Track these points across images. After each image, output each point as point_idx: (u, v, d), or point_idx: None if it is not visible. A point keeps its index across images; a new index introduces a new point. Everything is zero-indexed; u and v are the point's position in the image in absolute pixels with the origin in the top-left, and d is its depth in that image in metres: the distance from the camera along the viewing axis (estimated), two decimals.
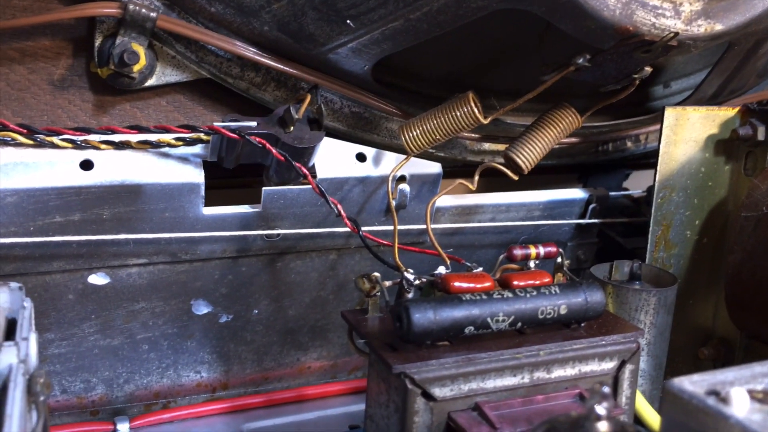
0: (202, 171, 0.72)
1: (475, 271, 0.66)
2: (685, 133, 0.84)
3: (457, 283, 0.62)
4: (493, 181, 0.89)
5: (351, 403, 0.84)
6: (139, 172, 0.70)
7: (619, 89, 0.78)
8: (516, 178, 0.78)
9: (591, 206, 0.93)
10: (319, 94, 0.76)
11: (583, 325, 0.64)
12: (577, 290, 0.62)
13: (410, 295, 0.64)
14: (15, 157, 0.67)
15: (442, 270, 0.64)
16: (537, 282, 0.64)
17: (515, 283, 0.64)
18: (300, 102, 0.72)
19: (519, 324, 0.60)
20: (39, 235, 0.69)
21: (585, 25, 0.69)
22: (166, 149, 0.71)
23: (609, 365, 0.63)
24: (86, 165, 0.69)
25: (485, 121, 0.74)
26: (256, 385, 0.85)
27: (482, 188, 0.83)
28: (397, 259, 0.68)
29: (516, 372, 0.59)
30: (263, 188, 0.75)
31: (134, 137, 0.70)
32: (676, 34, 0.70)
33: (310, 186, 0.72)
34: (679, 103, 0.92)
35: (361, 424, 0.76)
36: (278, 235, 0.78)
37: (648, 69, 0.75)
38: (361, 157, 0.79)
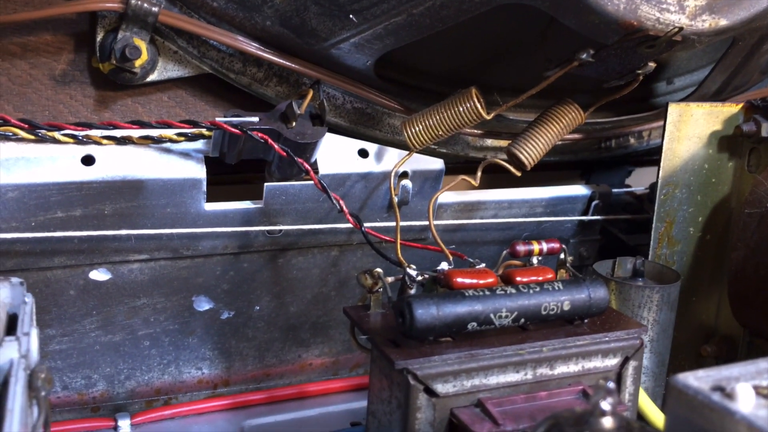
0: (204, 166, 0.72)
1: (477, 267, 0.66)
2: (689, 129, 0.83)
3: (459, 279, 0.62)
4: (495, 178, 0.89)
5: (352, 400, 0.84)
6: (141, 168, 0.70)
7: (622, 85, 0.78)
8: (519, 174, 0.78)
9: (594, 203, 0.93)
10: (321, 89, 0.75)
11: (586, 321, 0.63)
12: (581, 286, 0.62)
13: (413, 291, 0.64)
14: (16, 152, 0.67)
15: (444, 266, 0.64)
16: (540, 278, 0.64)
17: (518, 279, 0.64)
18: (302, 97, 0.72)
19: (522, 320, 0.60)
20: (40, 230, 0.68)
21: (589, 20, 0.69)
22: (168, 144, 0.71)
23: (612, 362, 0.62)
24: (88, 160, 0.69)
25: (488, 117, 0.74)
26: (257, 381, 0.85)
27: (485, 184, 0.83)
28: (400, 255, 0.68)
29: (519, 368, 0.59)
30: (265, 184, 0.75)
31: (136, 132, 0.70)
32: (681, 29, 0.70)
33: (312, 182, 0.72)
34: (683, 100, 0.92)
35: (362, 420, 0.76)
36: (280, 231, 0.78)
37: (652, 64, 0.75)
38: (363, 153, 0.79)
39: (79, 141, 0.68)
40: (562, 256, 0.68)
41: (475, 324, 0.58)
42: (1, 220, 0.67)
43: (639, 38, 0.70)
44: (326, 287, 0.84)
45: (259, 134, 0.69)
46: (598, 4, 0.67)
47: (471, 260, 0.67)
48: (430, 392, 0.56)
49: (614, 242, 0.96)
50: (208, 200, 0.74)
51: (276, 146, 0.69)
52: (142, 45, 0.72)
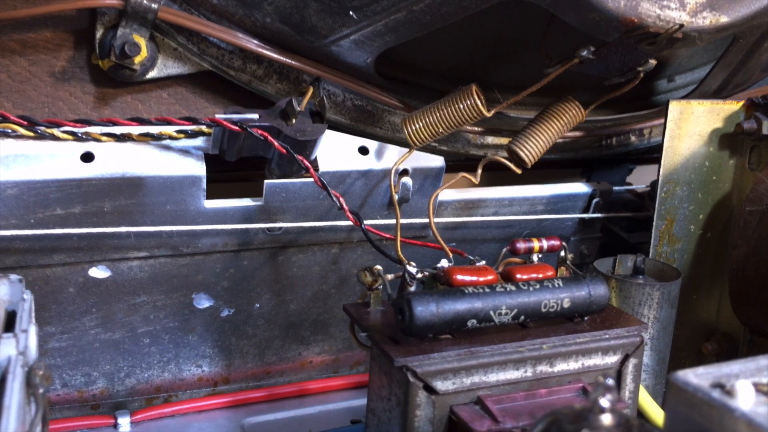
0: (204, 164, 0.72)
1: (478, 264, 0.66)
2: (690, 127, 0.83)
3: (459, 276, 0.62)
4: (496, 175, 0.88)
5: (353, 398, 0.84)
6: (141, 165, 0.70)
7: (623, 82, 0.78)
8: (519, 171, 0.78)
9: (594, 201, 0.93)
10: (321, 86, 0.75)
11: (586, 318, 0.63)
12: (581, 284, 0.62)
13: (412, 289, 0.64)
14: (16, 149, 0.67)
15: (444, 263, 0.64)
16: (540, 275, 0.64)
17: (518, 276, 0.64)
18: (302, 95, 0.72)
19: (522, 317, 0.60)
20: (39, 227, 0.68)
21: (589, 17, 0.68)
22: (168, 142, 0.71)
23: (612, 359, 0.62)
24: (87, 157, 0.69)
25: (488, 114, 0.74)
26: (257, 379, 0.85)
27: (485, 182, 0.83)
28: (400, 253, 0.68)
29: (519, 366, 0.59)
30: (265, 181, 0.75)
31: (135, 129, 0.70)
32: (681, 25, 0.69)
33: (312, 179, 0.72)
34: (684, 97, 0.91)
35: (362, 418, 0.76)
36: (280, 228, 0.78)
37: (652, 62, 0.74)
38: (363, 151, 0.79)
39: (78, 138, 0.68)
40: (562, 253, 0.68)
41: (474, 321, 0.58)
42: (1, 217, 0.67)
43: (640, 35, 0.70)
44: (326, 285, 0.84)
45: (259, 131, 0.68)
46: (599, 1, 0.67)
47: (471, 258, 0.67)
48: (430, 389, 0.56)
49: (615, 240, 0.96)
50: (208, 197, 0.74)
51: (276, 143, 0.69)
52: (142, 42, 0.72)
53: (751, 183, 0.81)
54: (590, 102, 0.80)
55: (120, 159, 0.69)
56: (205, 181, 0.72)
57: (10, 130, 0.66)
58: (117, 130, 0.69)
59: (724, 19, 0.72)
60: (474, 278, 0.62)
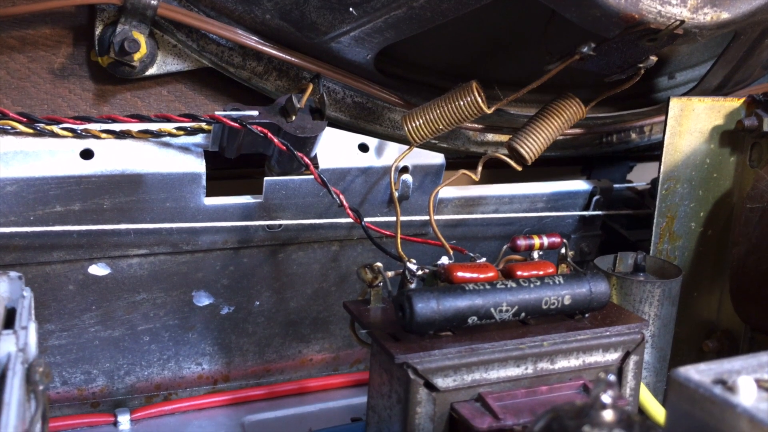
0: (204, 161, 0.72)
1: (478, 261, 0.66)
2: (690, 123, 0.83)
3: (460, 273, 0.62)
4: (496, 173, 0.88)
5: (353, 396, 0.84)
6: (140, 162, 0.70)
7: (624, 79, 0.78)
8: (520, 168, 0.78)
9: (595, 198, 0.92)
10: (321, 83, 0.75)
11: (587, 315, 0.63)
12: (582, 281, 0.62)
13: (413, 286, 0.64)
14: (15, 146, 0.66)
15: (445, 260, 0.64)
16: (541, 272, 0.64)
17: (519, 273, 0.63)
18: (302, 91, 0.72)
19: (523, 314, 0.60)
20: (39, 224, 0.68)
21: (590, 13, 0.68)
22: (167, 139, 0.71)
23: (613, 356, 0.62)
24: (86, 154, 0.68)
25: (488, 111, 0.74)
26: (257, 377, 0.85)
27: (485, 179, 0.83)
28: (400, 250, 0.67)
29: (519, 362, 0.59)
30: (265, 178, 0.75)
31: (135, 126, 0.69)
32: (682, 22, 0.69)
33: (312, 176, 0.71)
34: (684, 94, 0.91)
35: (363, 416, 0.76)
36: (280, 225, 0.78)
37: (653, 58, 0.74)
38: (363, 148, 0.78)
39: (77, 135, 0.68)
40: (563, 250, 0.68)
41: (475, 318, 0.58)
42: (0, 214, 0.67)
43: (640, 32, 0.69)
44: (326, 282, 0.83)
45: (259, 128, 0.68)
46: None
47: (472, 255, 0.67)
48: (431, 387, 0.56)
49: (615, 238, 0.96)
50: (208, 195, 0.73)
51: (276, 140, 0.69)
52: (141, 38, 0.72)
53: (751, 180, 0.81)
54: (591, 99, 0.80)
55: (119, 156, 0.69)
56: (204, 178, 0.72)
57: (9, 127, 0.66)
58: (116, 127, 0.69)
59: (725, 16, 0.72)
60: (474, 275, 0.62)
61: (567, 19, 0.71)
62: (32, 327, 0.51)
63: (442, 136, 0.88)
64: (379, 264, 0.63)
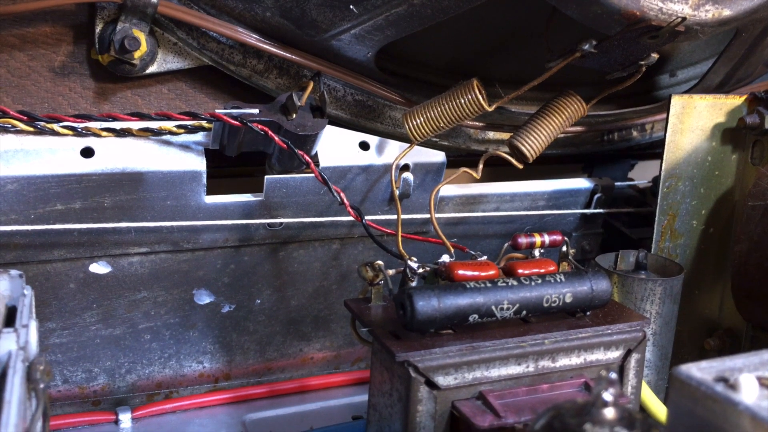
0: (204, 159, 0.72)
1: (479, 259, 0.65)
2: (692, 121, 0.83)
3: (461, 271, 0.61)
4: (497, 171, 0.88)
5: (354, 394, 0.84)
6: (141, 160, 0.70)
7: (625, 76, 0.78)
8: (521, 166, 0.78)
9: (596, 196, 0.92)
10: (321, 81, 0.75)
11: (588, 313, 0.63)
12: (583, 279, 0.61)
13: (414, 284, 0.63)
14: (15, 144, 0.66)
15: (446, 258, 0.64)
16: (542, 270, 0.64)
17: (520, 271, 0.63)
18: (302, 89, 0.72)
19: (524, 312, 0.60)
20: (40, 223, 0.68)
21: (591, 11, 0.68)
22: (168, 137, 0.70)
23: (614, 354, 0.62)
24: (87, 152, 0.68)
25: (489, 109, 0.74)
26: (258, 375, 0.85)
27: (486, 177, 0.82)
28: (401, 248, 0.67)
29: (521, 361, 0.59)
30: (265, 177, 0.74)
31: (135, 124, 0.69)
32: (684, 19, 0.69)
33: (312, 174, 0.71)
34: (686, 92, 0.91)
35: (364, 414, 0.76)
36: (281, 224, 0.77)
37: (655, 55, 0.74)
38: (364, 146, 0.78)
39: (78, 133, 0.68)
40: (564, 248, 0.68)
41: (476, 316, 0.58)
42: (1, 213, 0.67)
43: (642, 29, 0.69)
44: (327, 280, 0.83)
45: (259, 126, 0.68)
46: None
47: (473, 253, 0.67)
48: (432, 385, 0.56)
49: (617, 236, 0.96)
50: (209, 193, 0.73)
51: (276, 138, 0.69)
52: (142, 36, 0.72)
53: (753, 178, 0.80)
54: (592, 97, 0.80)
55: (120, 154, 0.69)
56: (205, 176, 0.72)
57: (9, 126, 0.66)
58: (117, 125, 0.69)
59: (726, 13, 0.72)
60: (475, 273, 0.62)
61: (568, 16, 0.70)
62: (33, 325, 0.51)
63: (443, 134, 0.88)
64: (380, 262, 0.63)
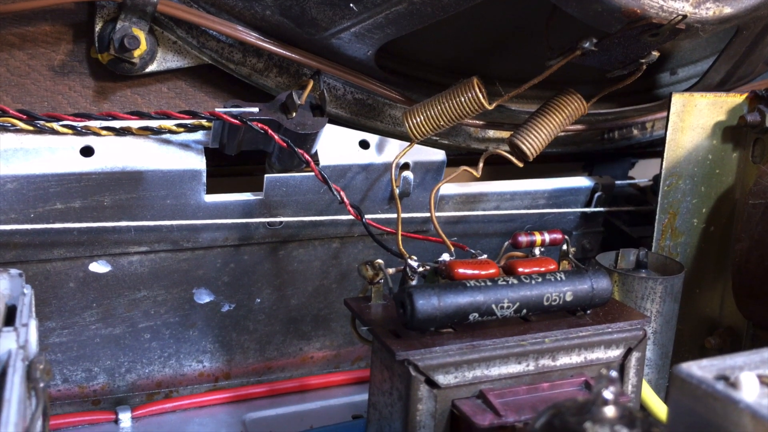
0: (204, 158, 0.72)
1: (479, 258, 0.65)
2: (693, 119, 0.83)
3: (461, 270, 0.61)
4: (497, 169, 0.88)
5: (354, 393, 0.84)
6: (140, 159, 0.70)
7: (625, 74, 0.78)
8: (521, 165, 0.78)
9: (597, 195, 0.92)
10: (321, 80, 0.75)
11: (588, 312, 0.63)
12: (583, 277, 0.61)
13: (414, 282, 0.63)
14: (15, 143, 0.66)
15: (446, 257, 0.64)
16: (542, 269, 0.63)
17: (520, 269, 0.63)
18: (302, 88, 0.72)
19: (524, 311, 0.59)
20: (39, 222, 0.68)
21: (592, 8, 0.68)
22: (168, 135, 0.70)
23: (615, 353, 0.62)
24: (87, 151, 0.68)
25: (490, 107, 0.73)
26: (258, 374, 0.85)
27: (487, 176, 0.82)
28: (401, 247, 0.67)
29: (521, 359, 0.59)
30: (265, 175, 0.74)
31: (135, 123, 0.69)
32: (684, 16, 0.69)
33: (312, 173, 0.71)
34: (686, 90, 0.91)
35: (364, 413, 0.75)
36: (281, 222, 0.77)
37: (655, 53, 0.74)
38: (364, 144, 0.78)
39: (77, 132, 0.68)
40: (564, 247, 0.68)
41: (476, 315, 0.58)
42: (0, 212, 0.67)
43: (642, 26, 0.69)
44: (327, 279, 0.83)
45: (259, 125, 0.68)
46: None
47: (473, 251, 0.67)
48: (432, 383, 0.56)
49: (617, 234, 0.96)
50: (208, 192, 0.73)
51: (276, 137, 0.69)
52: (141, 35, 0.72)
53: (754, 176, 0.80)
54: (592, 95, 0.80)
55: (120, 153, 0.69)
56: (205, 175, 0.72)
57: (9, 124, 0.66)
58: (116, 124, 0.69)
59: (727, 10, 0.72)
60: (476, 272, 0.62)
61: (568, 14, 0.70)
62: (33, 324, 0.51)
63: (443, 133, 0.88)
64: (380, 261, 0.63)
